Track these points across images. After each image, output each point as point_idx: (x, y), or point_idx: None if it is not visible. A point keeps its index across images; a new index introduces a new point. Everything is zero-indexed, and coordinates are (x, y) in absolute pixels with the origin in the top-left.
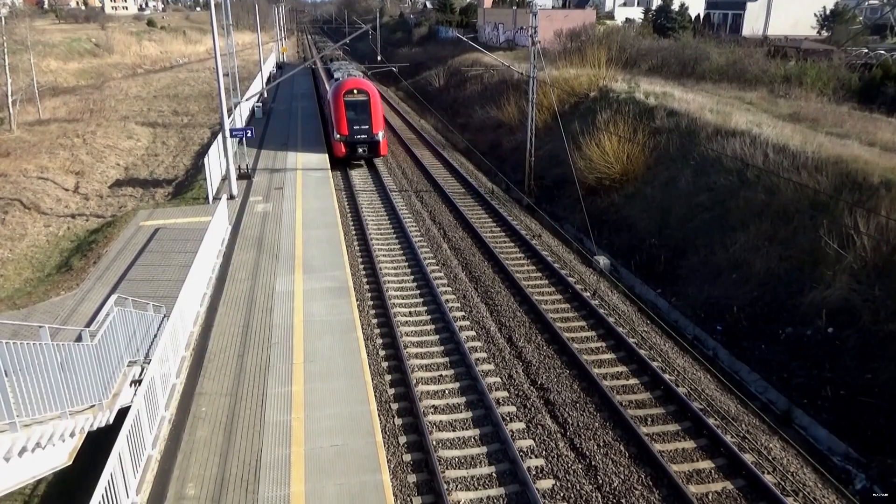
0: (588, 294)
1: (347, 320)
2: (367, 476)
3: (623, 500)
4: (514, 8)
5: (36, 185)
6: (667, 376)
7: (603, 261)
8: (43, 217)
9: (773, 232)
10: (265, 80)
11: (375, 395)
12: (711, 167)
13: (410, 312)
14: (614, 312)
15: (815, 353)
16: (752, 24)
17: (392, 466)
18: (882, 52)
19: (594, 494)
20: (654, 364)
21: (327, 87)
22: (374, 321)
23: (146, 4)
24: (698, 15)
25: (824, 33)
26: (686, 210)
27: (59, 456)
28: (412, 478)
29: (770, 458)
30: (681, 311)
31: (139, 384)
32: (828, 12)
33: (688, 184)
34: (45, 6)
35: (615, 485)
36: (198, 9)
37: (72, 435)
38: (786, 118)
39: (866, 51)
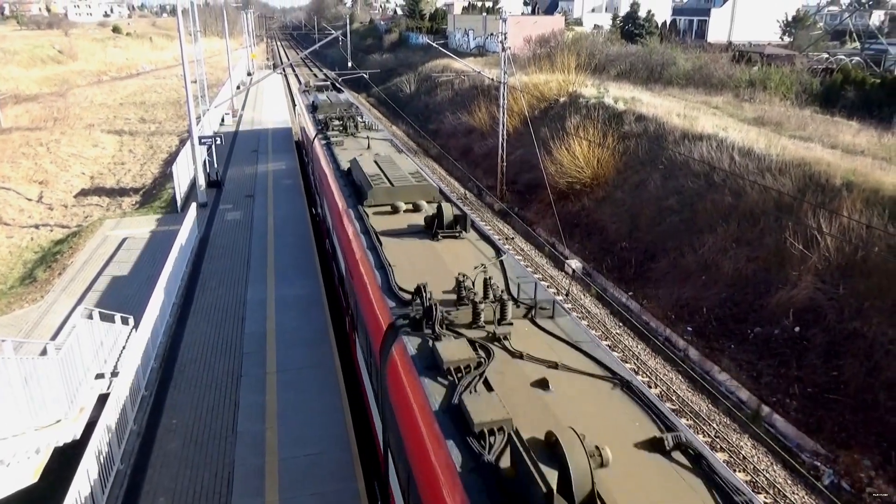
0: (561, 297)
1: (320, 329)
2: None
3: None
4: (484, 14)
5: None
6: (640, 377)
7: (575, 264)
8: (5, 228)
9: (741, 234)
10: (234, 87)
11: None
12: (679, 171)
13: None
14: (587, 315)
15: (783, 352)
16: (716, 30)
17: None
18: (842, 57)
19: None
20: (628, 366)
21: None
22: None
23: (111, 11)
24: (665, 21)
25: (787, 39)
26: (655, 213)
27: (25, 474)
28: None
29: (741, 455)
30: (652, 313)
31: (107, 398)
32: (790, 18)
33: (657, 187)
34: (6, 12)
35: None
36: (164, 15)
37: (37, 452)
38: (751, 122)
39: (827, 56)
